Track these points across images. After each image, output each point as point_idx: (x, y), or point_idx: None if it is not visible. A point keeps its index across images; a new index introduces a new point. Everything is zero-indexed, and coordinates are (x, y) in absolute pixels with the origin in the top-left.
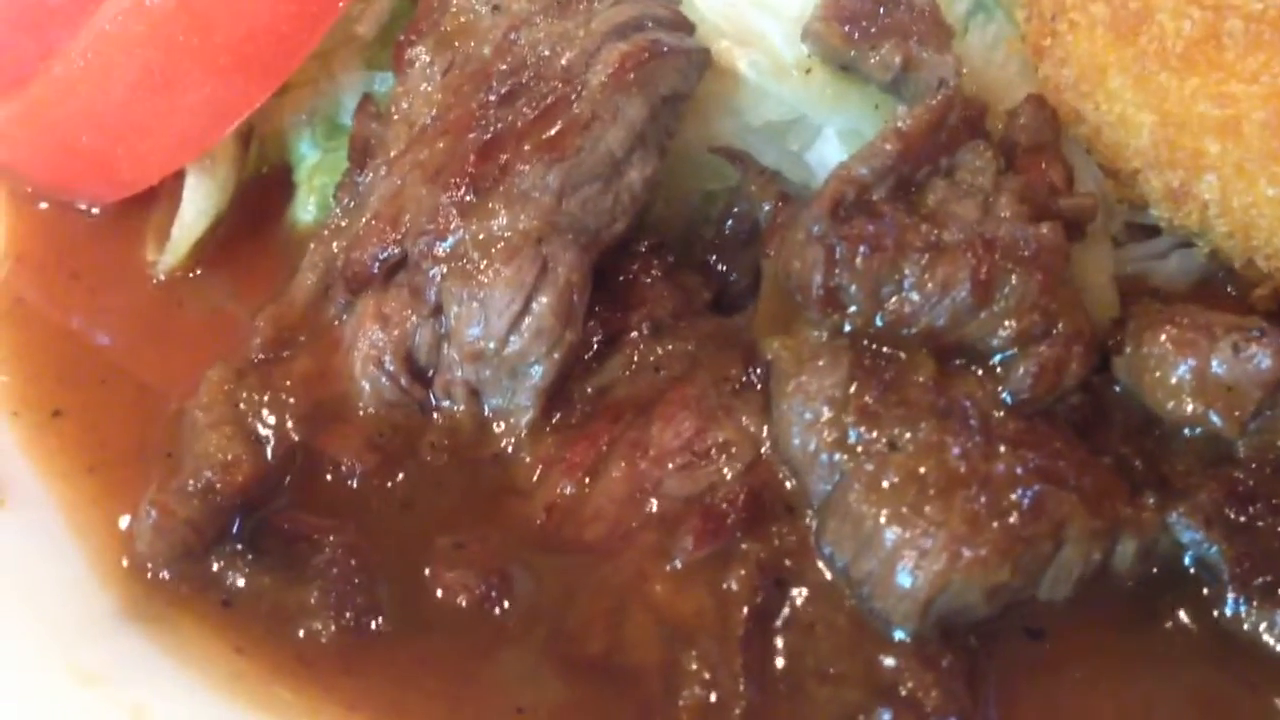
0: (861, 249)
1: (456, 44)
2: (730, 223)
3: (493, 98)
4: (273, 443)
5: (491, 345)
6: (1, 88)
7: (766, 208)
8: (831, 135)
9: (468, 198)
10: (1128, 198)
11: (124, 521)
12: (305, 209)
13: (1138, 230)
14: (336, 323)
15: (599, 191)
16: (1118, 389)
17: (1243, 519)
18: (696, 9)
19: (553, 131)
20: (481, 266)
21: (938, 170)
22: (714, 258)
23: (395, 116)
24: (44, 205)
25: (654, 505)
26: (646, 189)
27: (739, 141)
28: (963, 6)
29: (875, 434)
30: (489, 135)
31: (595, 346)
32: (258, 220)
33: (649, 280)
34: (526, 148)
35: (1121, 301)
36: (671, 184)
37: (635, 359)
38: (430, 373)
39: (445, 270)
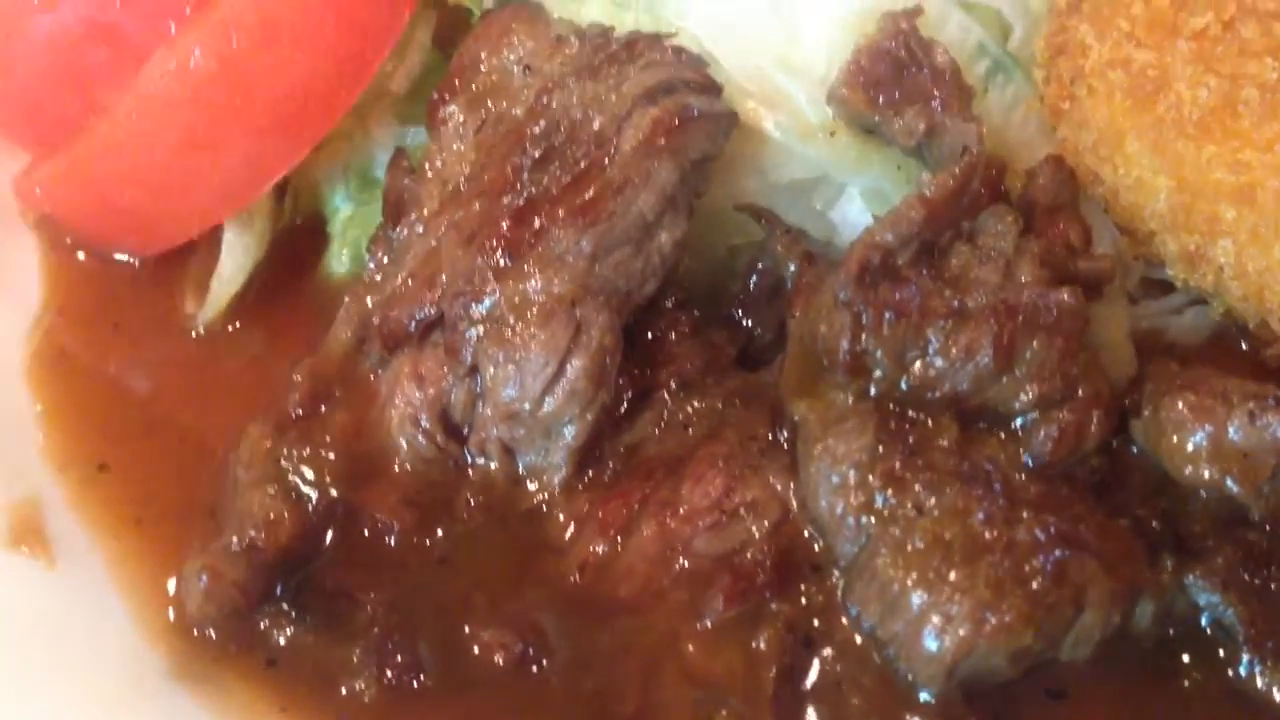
0: (887, 315)
1: (489, 103)
2: (755, 278)
3: (526, 160)
4: (314, 500)
5: (526, 406)
6: (46, 144)
7: (792, 268)
8: (855, 194)
9: (503, 261)
10: (1143, 255)
11: (172, 584)
12: (339, 260)
13: (1153, 285)
14: (372, 377)
15: (630, 254)
16: (1135, 449)
17: (1257, 581)
18: (724, 70)
19: (586, 196)
20: (517, 329)
21: (960, 234)
22: (739, 312)
23: (429, 174)
24: (82, 256)
25: (684, 563)
26: (676, 250)
27: (764, 199)
28: (982, 67)
29: (901, 498)
30: (524, 199)
31: (625, 404)
32: (292, 270)
33: (676, 337)
34: (560, 212)
35: (1138, 357)
36: (697, 239)
37: (664, 416)
38: (465, 430)
39: (481, 332)
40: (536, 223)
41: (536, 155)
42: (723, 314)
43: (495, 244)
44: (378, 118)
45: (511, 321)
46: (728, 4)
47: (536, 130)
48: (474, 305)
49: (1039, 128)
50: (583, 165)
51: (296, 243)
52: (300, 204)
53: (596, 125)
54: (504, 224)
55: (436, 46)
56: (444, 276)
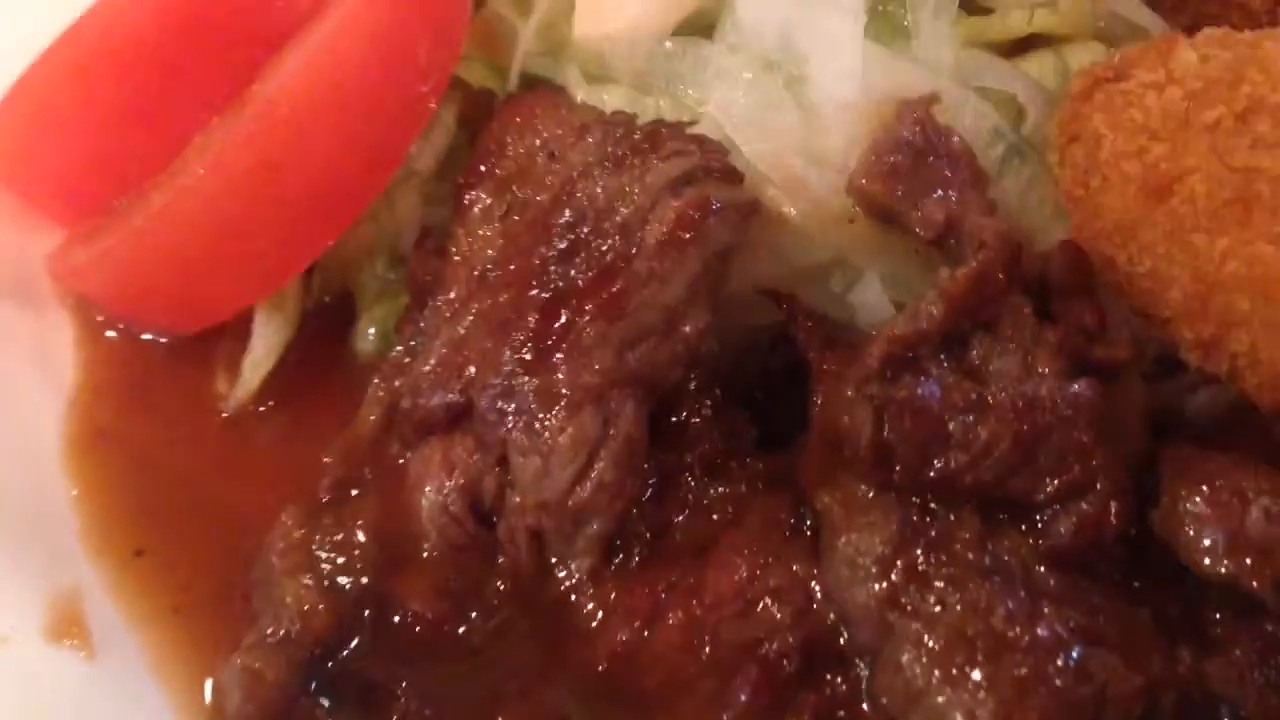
0: (909, 411)
1: (514, 189)
2: (775, 359)
3: (553, 251)
4: (347, 588)
5: (556, 498)
6: (79, 219)
7: (813, 354)
8: (874, 279)
9: (532, 354)
10: (1158, 336)
11: (209, 685)
12: (366, 339)
13: (1166, 361)
14: (401, 460)
15: (656, 345)
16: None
17: (1274, 674)
18: (744, 157)
19: (612, 290)
20: (546, 422)
21: (980, 324)
22: (759, 392)
23: (455, 257)
24: (112, 333)
25: (711, 652)
26: (700, 339)
27: (784, 282)
28: (998, 151)
29: (925, 594)
30: (551, 291)
31: (650, 488)
32: (321, 348)
33: (699, 420)
34: (588, 306)
35: (1151, 433)
36: (718, 320)
37: (689, 501)
38: (494, 518)
39: (511, 423)
40: (564, 315)
41: (563, 246)
42: (743, 393)
43: (524, 337)
44: (404, 197)
45: (541, 414)
46: (748, 90)
47: (562, 220)
48: (503, 397)
49: (1054, 210)
50: (609, 258)
51: (324, 320)
52: (327, 281)
53: (622, 217)
54: (532, 316)
55: (461, 126)
56: (473, 367)
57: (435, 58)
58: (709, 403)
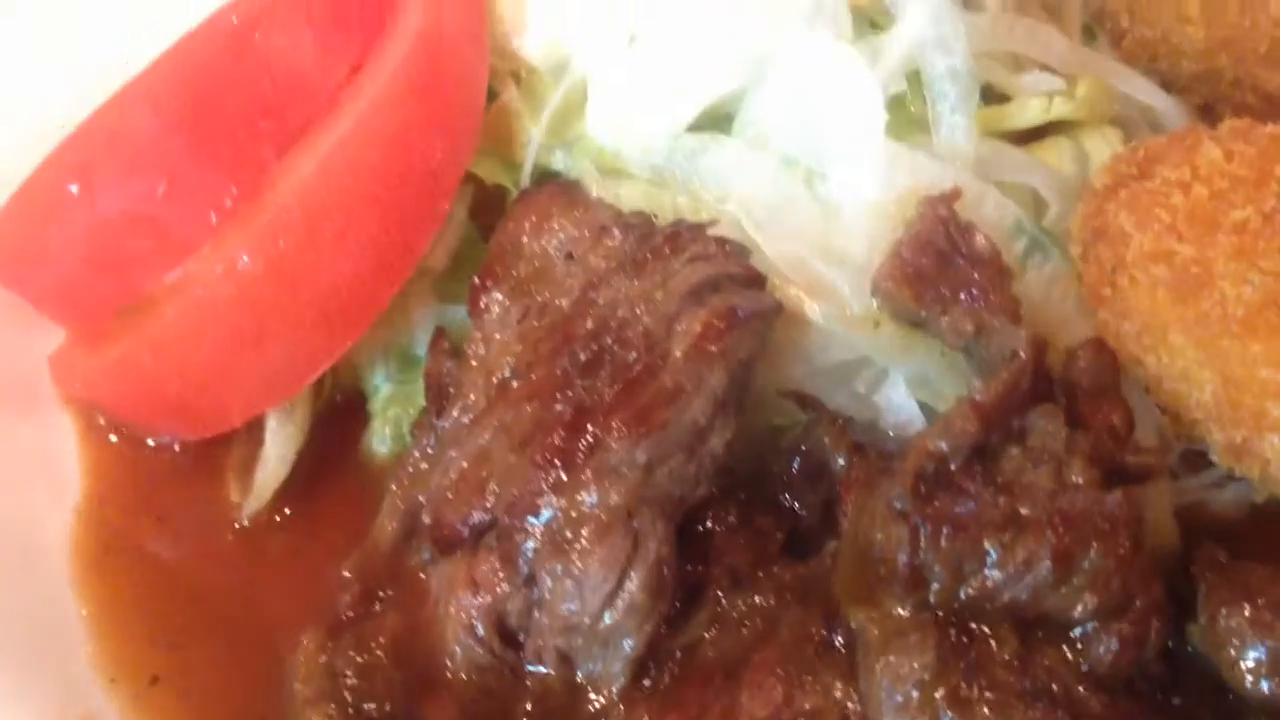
0: (945, 529)
1: (532, 290)
2: (798, 459)
3: (576, 361)
4: (373, 715)
5: (586, 620)
6: (82, 322)
7: (841, 461)
8: (899, 379)
9: (559, 473)
10: (1184, 433)
11: None
12: (381, 440)
13: (1193, 457)
14: (422, 574)
15: (683, 461)
16: (1190, 649)
17: None
18: (765, 258)
19: (639, 405)
20: (575, 544)
21: (1010, 434)
22: (784, 494)
23: (473, 361)
24: (114, 438)
25: None
26: (727, 452)
27: (807, 383)
28: (1020, 246)
29: None
30: (576, 405)
31: (678, 603)
32: (333, 450)
33: (724, 529)
34: (615, 423)
35: (1180, 530)
36: (741, 422)
37: (718, 615)
38: (521, 637)
39: (538, 543)
40: (591, 432)
41: (586, 358)
42: (766, 495)
43: (550, 454)
44: (416, 296)
45: (569, 535)
46: (768, 187)
47: (584, 329)
48: (530, 515)
49: (1077, 304)
50: (634, 371)
51: (335, 421)
52: (339, 381)
53: (645, 326)
54: (558, 433)
55: (473, 220)
56: (497, 484)
57: (450, 157)
58: (733, 509)
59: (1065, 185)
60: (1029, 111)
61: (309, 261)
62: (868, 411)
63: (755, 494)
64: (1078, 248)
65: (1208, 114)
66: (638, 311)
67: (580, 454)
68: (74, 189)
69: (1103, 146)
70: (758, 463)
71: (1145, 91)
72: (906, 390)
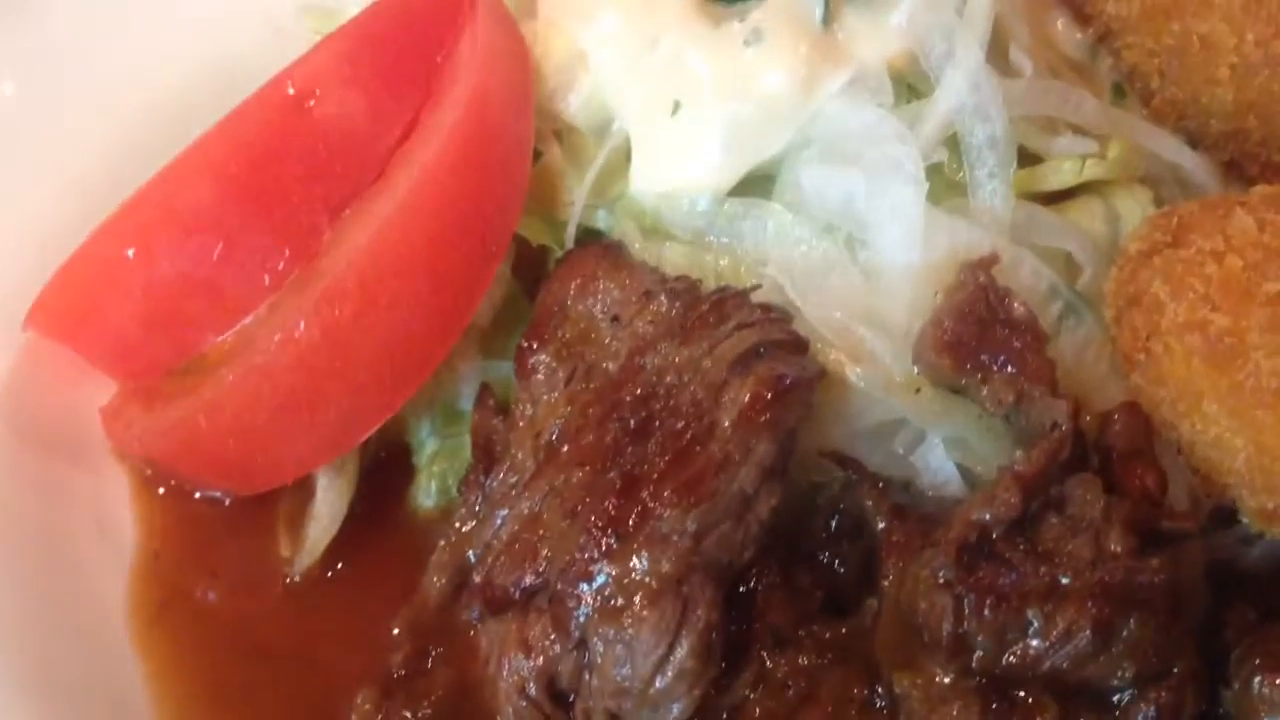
0: (989, 600)
1: (578, 352)
2: (837, 518)
3: (625, 428)
4: None
5: (637, 685)
6: (135, 376)
7: (881, 524)
8: (938, 442)
9: (610, 541)
10: (1216, 494)
11: None
12: (426, 494)
13: (1221, 512)
14: (472, 631)
15: (731, 528)
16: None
17: None
18: (808, 323)
19: (689, 475)
20: (627, 610)
21: (1049, 502)
22: (822, 552)
23: (520, 421)
24: (162, 490)
25: None
26: (773, 517)
27: (847, 444)
28: (1055, 309)
29: None
30: (626, 474)
31: (724, 664)
32: (379, 503)
33: (766, 587)
34: (666, 492)
35: (1212, 586)
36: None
37: (763, 674)
38: (571, 698)
39: (590, 608)
40: (642, 500)
41: (635, 425)
42: (805, 551)
43: (602, 522)
44: (461, 352)
45: (621, 602)
46: (808, 251)
47: (633, 395)
48: (582, 581)
49: (1110, 367)
50: (684, 439)
51: (383, 474)
52: (384, 435)
53: (692, 394)
54: (611, 500)
55: (515, 275)
56: (547, 550)
57: (500, 220)
58: (774, 568)
59: (1098, 248)
60: (1062, 174)
61: (364, 327)
62: (906, 471)
63: (794, 550)
64: (1111, 311)
65: (1234, 168)
66: (685, 379)
67: (632, 521)
68: (131, 253)
69: (1133, 206)
70: (796, 519)
71: (1174, 152)
72: (944, 452)
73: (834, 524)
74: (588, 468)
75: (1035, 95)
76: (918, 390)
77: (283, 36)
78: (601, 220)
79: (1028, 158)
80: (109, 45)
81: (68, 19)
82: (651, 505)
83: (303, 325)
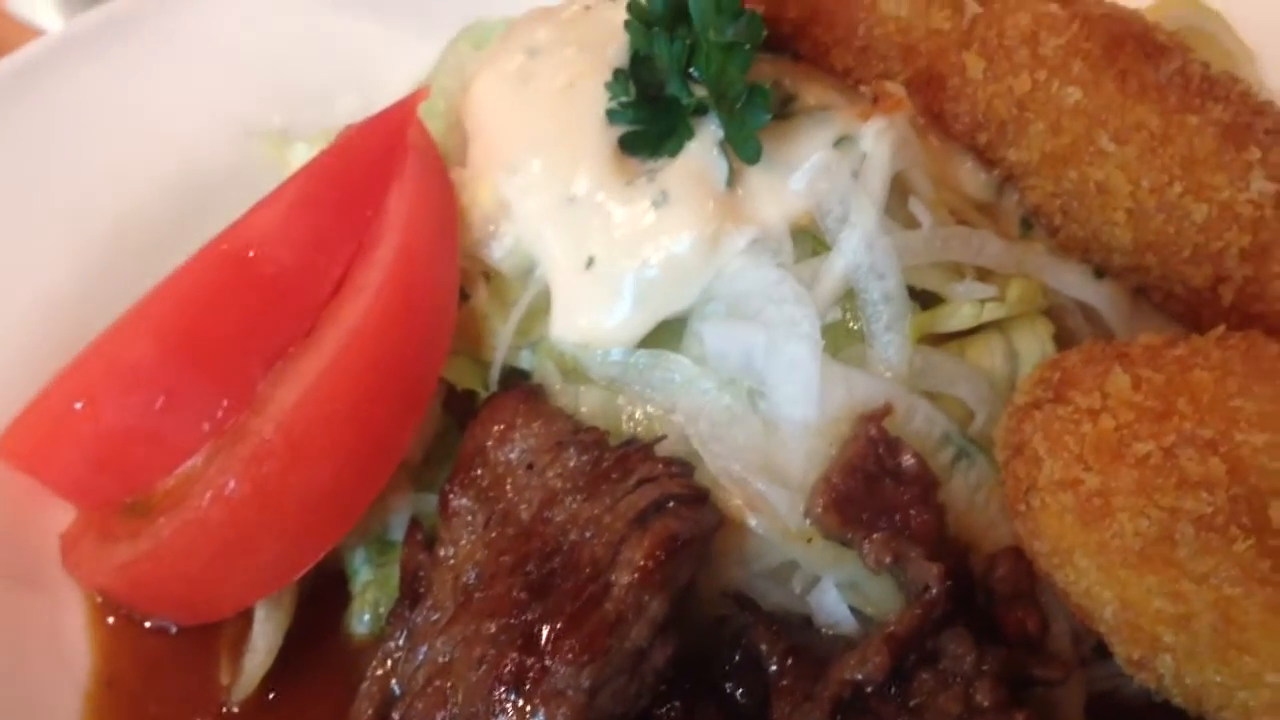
0: None
1: (496, 497)
2: (739, 653)
3: (530, 583)
4: None
5: None
6: (89, 506)
7: (773, 668)
8: (831, 585)
9: (511, 695)
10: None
11: None
12: (360, 622)
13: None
14: None
15: (625, 682)
16: None
17: None
18: (709, 473)
19: (585, 633)
20: None
21: (924, 655)
22: (727, 684)
23: (444, 560)
24: (111, 620)
25: None
26: (668, 665)
27: (747, 584)
28: (948, 455)
29: None
30: (529, 628)
31: None
32: (317, 627)
33: None
34: (564, 649)
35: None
36: (684, 614)
37: None
38: None
39: None
40: (542, 655)
41: (538, 576)
42: (709, 682)
43: (505, 676)
44: (394, 485)
45: None
46: (712, 402)
47: (540, 548)
48: None
49: (1000, 508)
50: (583, 597)
51: (319, 599)
52: (322, 564)
53: (592, 550)
54: (511, 656)
55: (448, 411)
56: (460, 698)
57: (427, 369)
58: (679, 704)
59: (995, 388)
60: (961, 317)
61: (291, 482)
62: (803, 607)
63: (699, 682)
64: (1001, 456)
65: (1143, 294)
66: (588, 535)
67: (531, 676)
68: (79, 406)
69: (1032, 341)
70: (702, 652)
71: (1079, 288)
72: (838, 596)
73: (737, 657)
74: (497, 619)
75: (935, 244)
76: (809, 540)
77: (252, 153)
78: (525, 360)
79: (930, 299)
80: (78, 166)
81: (35, 141)
82: (549, 663)
83: (233, 484)
